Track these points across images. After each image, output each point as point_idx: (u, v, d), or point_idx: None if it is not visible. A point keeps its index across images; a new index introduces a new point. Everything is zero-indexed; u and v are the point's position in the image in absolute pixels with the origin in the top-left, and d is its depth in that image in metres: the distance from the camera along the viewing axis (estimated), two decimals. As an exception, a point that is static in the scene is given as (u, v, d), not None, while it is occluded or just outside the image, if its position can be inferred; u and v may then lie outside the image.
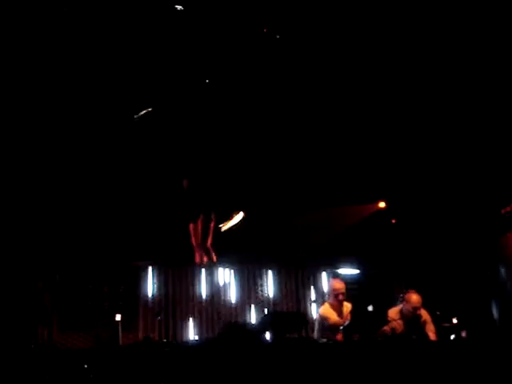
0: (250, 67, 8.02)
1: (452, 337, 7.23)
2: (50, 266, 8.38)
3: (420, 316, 7.18)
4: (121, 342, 6.79)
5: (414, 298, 7.16)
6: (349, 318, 7.06)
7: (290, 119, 8.95)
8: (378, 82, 8.51)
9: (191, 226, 8.77)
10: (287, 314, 7.86)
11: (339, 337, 6.87)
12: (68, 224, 8.73)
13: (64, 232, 8.69)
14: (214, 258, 8.73)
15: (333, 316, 7.26)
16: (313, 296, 9.09)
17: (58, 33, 7.12)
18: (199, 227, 8.52)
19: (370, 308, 6.77)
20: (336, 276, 8.06)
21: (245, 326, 7.13)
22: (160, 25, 7.28)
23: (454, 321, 7.55)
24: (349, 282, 8.15)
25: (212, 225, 8.67)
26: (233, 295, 9.33)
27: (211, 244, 8.69)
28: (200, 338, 8.01)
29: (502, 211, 8.77)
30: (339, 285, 7.40)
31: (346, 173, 9.86)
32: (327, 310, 7.36)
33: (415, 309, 7.12)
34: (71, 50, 7.28)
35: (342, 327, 6.84)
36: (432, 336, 7.13)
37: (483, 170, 9.17)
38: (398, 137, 9.35)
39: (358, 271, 9.72)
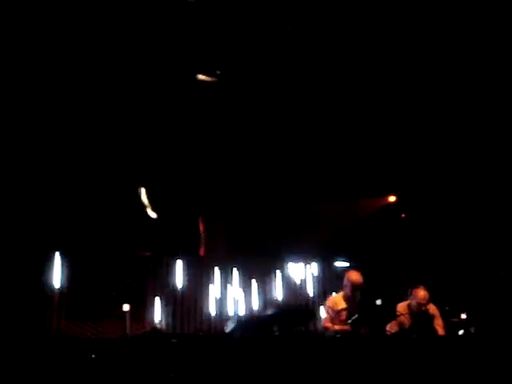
0: (260, 61, 8.03)
1: (460, 332, 7.21)
2: (58, 256, 8.39)
3: (426, 311, 7.16)
4: (128, 332, 6.80)
5: (421, 293, 7.13)
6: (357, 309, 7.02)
7: (301, 113, 8.95)
8: (388, 75, 8.49)
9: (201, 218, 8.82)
10: (295, 308, 7.79)
11: (345, 327, 6.83)
12: (76, 215, 8.75)
13: (73, 223, 8.71)
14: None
15: (342, 305, 7.17)
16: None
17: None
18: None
19: (379, 302, 6.75)
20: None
21: (254, 319, 7.12)
22: (169, 17, 7.31)
23: (463, 316, 7.53)
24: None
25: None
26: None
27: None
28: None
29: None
30: (358, 277, 7.20)
31: (356, 167, 9.84)
32: (337, 298, 7.29)
33: (421, 305, 7.10)
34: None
35: (349, 320, 6.81)
36: (440, 331, 7.10)
37: (496, 164, 9.12)
38: (408, 130, 9.32)
39: (348, 264, 9.65)
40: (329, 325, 7.08)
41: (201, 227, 8.83)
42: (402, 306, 7.19)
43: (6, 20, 6.96)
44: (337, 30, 7.75)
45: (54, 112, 8.06)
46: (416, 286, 7.24)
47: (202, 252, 8.86)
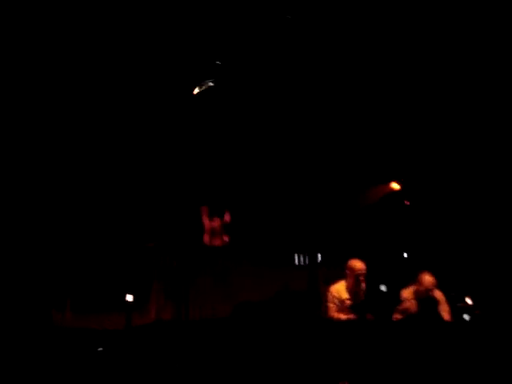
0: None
1: (466, 317, 7.18)
2: (63, 249, 8.40)
3: (433, 297, 7.12)
4: (132, 324, 6.79)
5: (428, 279, 7.08)
6: (362, 297, 6.98)
7: (303, 102, 8.94)
8: (390, 63, 8.48)
9: (203, 208, 8.82)
10: (298, 294, 7.72)
11: (351, 316, 6.81)
12: (81, 206, 8.76)
13: (77, 214, 8.72)
14: (226, 239, 8.77)
15: (344, 294, 7.15)
16: None
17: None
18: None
19: (383, 288, 6.72)
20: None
21: (257, 305, 7.08)
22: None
23: (469, 301, 7.50)
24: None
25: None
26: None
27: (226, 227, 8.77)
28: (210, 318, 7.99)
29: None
30: (361, 265, 7.11)
31: (359, 155, 9.83)
32: (340, 287, 7.22)
33: (428, 290, 7.05)
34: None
35: (352, 307, 6.77)
36: (446, 316, 7.06)
37: (497, 150, 9.09)
38: (411, 119, 9.31)
39: None
40: (335, 315, 7.01)
41: (204, 217, 8.85)
42: (406, 292, 7.16)
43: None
44: (332, 23, 7.77)
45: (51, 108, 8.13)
46: (422, 271, 7.20)
47: (206, 240, 8.87)
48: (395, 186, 10.31)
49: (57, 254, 8.31)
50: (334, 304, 7.09)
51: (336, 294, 7.12)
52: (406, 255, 8.87)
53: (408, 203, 10.25)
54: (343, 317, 6.90)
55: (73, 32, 7.51)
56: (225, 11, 7.50)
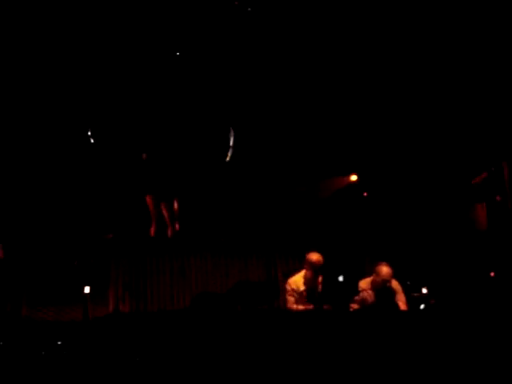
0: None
1: (422, 306, 7.30)
2: (19, 241, 8.28)
3: (390, 287, 7.23)
4: (90, 315, 6.73)
5: (385, 270, 7.17)
6: (319, 288, 7.05)
7: (264, 95, 8.96)
8: (350, 59, 8.56)
9: (148, 198, 8.74)
10: (258, 284, 7.75)
11: (309, 307, 6.86)
12: (37, 197, 8.65)
13: (33, 206, 8.61)
14: (177, 227, 8.70)
15: (302, 286, 7.19)
16: None
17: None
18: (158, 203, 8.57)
19: (341, 279, 6.79)
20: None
21: (215, 296, 7.09)
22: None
23: (424, 291, 7.62)
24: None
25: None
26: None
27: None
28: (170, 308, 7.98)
29: (472, 182, 8.86)
30: (318, 257, 7.17)
31: (317, 146, 9.88)
32: (298, 278, 7.27)
33: (385, 281, 7.16)
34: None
35: (310, 298, 6.83)
36: (402, 306, 7.18)
37: (453, 141, 9.23)
38: (369, 110, 9.38)
39: None
40: (293, 306, 7.06)
41: (150, 207, 8.77)
42: (364, 282, 7.25)
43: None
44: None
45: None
46: (379, 262, 7.30)
47: (152, 232, 8.81)
48: (353, 177, 10.40)
49: (12, 247, 8.19)
50: (293, 296, 7.16)
51: (294, 287, 7.20)
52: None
53: (366, 195, 10.37)
54: (301, 307, 6.96)
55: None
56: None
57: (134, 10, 7.75)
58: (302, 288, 7.15)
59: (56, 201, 8.72)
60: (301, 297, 7.11)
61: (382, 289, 7.17)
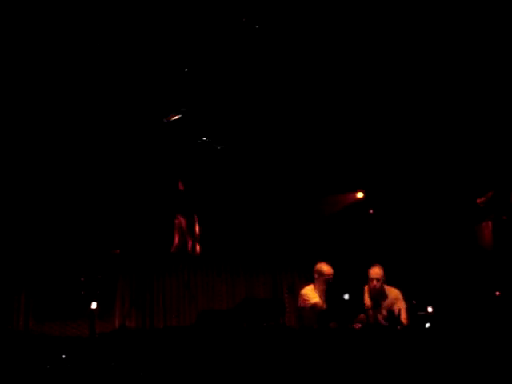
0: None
1: (427, 325, 7.28)
2: (27, 256, 8.31)
3: (378, 290, 7.20)
4: (96, 331, 6.75)
5: (374, 270, 7.22)
6: (324, 306, 7.03)
7: (267, 110, 9.00)
8: (351, 72, 8.58)
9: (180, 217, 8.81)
10: (263, 301, 7.76)
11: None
12: (46, 213, 8.69)
13: (41, 221, 8.64)
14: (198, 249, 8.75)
15: (315, 298, 7.14)
16: None
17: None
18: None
19: (346, 297, 6.79)
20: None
21: (221, 313, 7.11)
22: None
23: (430, 309, 7.60)
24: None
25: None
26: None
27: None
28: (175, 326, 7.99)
29: (478, 201, 8.86)
30: (330, 269, 7.17)
31: (323, 163, 9.91)
32: (310, 291, 7.24)
33: (372, 279, 7.16)
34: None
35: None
36: (403, 313, 7.11)
37: (459, 160, 9.25)
38: (375, 127, 9.41)
39: None
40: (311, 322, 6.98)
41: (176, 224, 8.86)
42: (369, 300, 7.26)
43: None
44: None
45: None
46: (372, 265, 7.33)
47: (173, 249, 8.86)
48: (359, 194, 10.42)
49: (19, 260, 8.23)
50: (307, 309, 7.13)
51: (308, 299, 7.16)
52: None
53: (372, 212, 10.37)
54: (311, 320, 6.92)
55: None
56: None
57: (142, 27, 7.80)
58: (313, 300, 7.12)
59: (64, 216, 8.75)
60: (313, 310, 7.06)
61: (374, 295, 7.16)
